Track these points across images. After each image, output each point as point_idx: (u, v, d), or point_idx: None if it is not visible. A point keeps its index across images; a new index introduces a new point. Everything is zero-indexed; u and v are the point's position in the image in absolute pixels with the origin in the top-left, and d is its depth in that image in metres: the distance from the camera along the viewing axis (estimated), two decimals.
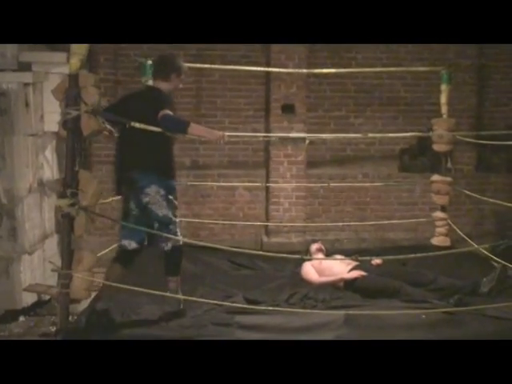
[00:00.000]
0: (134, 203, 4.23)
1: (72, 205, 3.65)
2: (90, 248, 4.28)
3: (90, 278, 3.81)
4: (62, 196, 3.70)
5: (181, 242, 4.28)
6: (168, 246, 4.22)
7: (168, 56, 4.54)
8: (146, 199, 4.13)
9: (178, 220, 4.28)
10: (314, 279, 5.15)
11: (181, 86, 4.45)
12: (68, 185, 3.67)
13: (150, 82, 5.70)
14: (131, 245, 4.28)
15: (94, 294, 4.43)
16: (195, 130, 4.08)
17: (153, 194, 4.13)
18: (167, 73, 4.27)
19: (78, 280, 3.75)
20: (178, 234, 4.28)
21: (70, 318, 4.11)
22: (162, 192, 4.16)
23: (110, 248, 4.88)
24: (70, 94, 3.63)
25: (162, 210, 4.16)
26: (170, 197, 4.21)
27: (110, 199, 5.44)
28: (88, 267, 3.80)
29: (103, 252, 4.56)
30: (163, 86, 4.27)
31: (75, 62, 3.62)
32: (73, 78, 3.65)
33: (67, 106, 3.63)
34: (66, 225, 3.75)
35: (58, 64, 5.35)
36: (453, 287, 4.71)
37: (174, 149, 4.40)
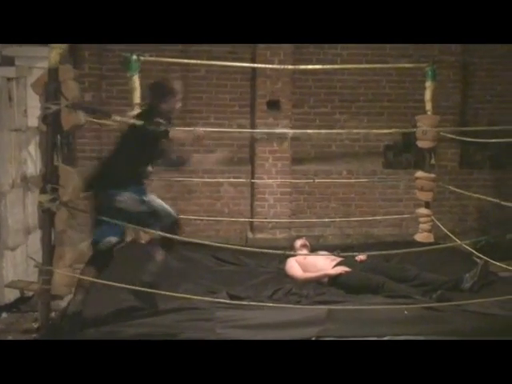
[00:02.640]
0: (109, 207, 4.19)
1: (52, 200, 3.62)
2: (72, 244, 4.24)
3: (72, 273, 3.79)
4: (42, 191, 3.67)
5: (176, 216, 4.33)
6: (166, 222, 4.23)
7: (161, 82, 4.61)
8: (120, 205, 4.14)
9: (160, 202, 4.28)
10: (298, 275, 5.16)
11: (179, 104, 4.51)
12: (48, 180, 3.65)
13: (136, 78, 5.73)
14: (112, 241, 4.25)
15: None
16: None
17: (127, 199, 4.14)
18: (164, 96, 4.35)
19: (58, 276, 3.73)
20: (171, 211, 4.30)
21: (53, 314, 4.09)
22: (136, 196, 4.18)
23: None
24: (50, 88, 3.60)
25: (139, 208, 4.16)
26: (144, 198, 4.22)
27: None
28: (69, 263, 3.79)
29: (84, 247, 4.51)
30: (162, 106, 4.35)
31: (54, 55, 3.59)
32: (52, 72, 3.61)
33: (47, 101, 3.60)
34: (46, 220, 3.73)
35: (42, 58, 5.25)
36: (435, 283, 4.73)
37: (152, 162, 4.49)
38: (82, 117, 3.76)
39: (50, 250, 3.78)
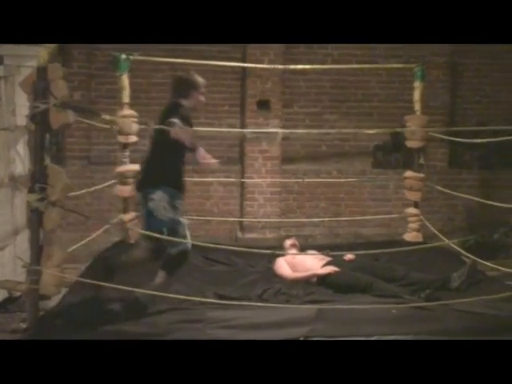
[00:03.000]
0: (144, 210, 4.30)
1: (41, 199, 3.61)
2: (62, 244, 4.23)
3: (60, 273, 3.77)
4: (30, 191, 3.65)
5: (189, 246, 4.28)
6: (174, 250, 4.22)
7: (184, 76, 4.60)
8: (152, 205, 4.19)
9: (186, 223, 4.30)
10: (287, 274, 5.16)
11: (203, 99, 4.50)
12: (36, 179, 3.63)
13: (125, 77, 5.71)
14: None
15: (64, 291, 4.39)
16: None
17: (157, 199, 4.19)
18: (186, 91, 4.37)
19: (47, 276, 3.71)
20: (188, 236, 4.29)
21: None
22: (166, 197, 4.21)
23: (81, 243, 4.83)
24: (38, 87, 3.58)
25: (167, 215, 4.20)
26: (176, 204, 4.28)
27: (84, 191, 5.40)
28: (58, 263, 3.76)
29: (73, 247, 4.50)
30: (184, 102, 4.38)
31: (43, 54, 3.57)
32: (41, 71, 3.60)
33: (35, 100, 3.58)
34: (34, 220, 3.71)
35: (31, 57, 5.25)
36: (424, 282, 4.74)
37: (182, 160, 4.45)
38: (70, 116, 3.74)
39: (38, 250, 3.76)
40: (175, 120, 4.12)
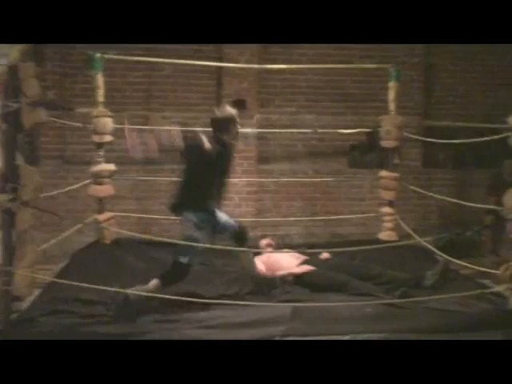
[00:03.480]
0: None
1: (12, 200, 3.57)
2: (35, 244, 4.18)
3: (33, 274, 3.73)
4: (2, 191, 3.61)
5: (188, 265, 4.41)
6: (183, 260, 4.37)
7: (220, 117, 4.69)
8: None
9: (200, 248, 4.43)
10: (263, 274, 5.17)
11: (239, 127, 4.71)
12: (8, 179, 3.59)
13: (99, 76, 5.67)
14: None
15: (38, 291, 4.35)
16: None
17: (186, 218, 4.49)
18: (226, 127, 4.59)
19: (19, 277, 3.67)
20: (193, 259, 4.43)
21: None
22: (194, 219, 4.44)
23: (51, 242, 4.78)
24: (10, 86, 3.54)
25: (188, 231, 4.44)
26: (201, 224, 4.46)
27: (58, 191, 5.36)
28: (30, 264, 3.73)
29: (44, 246, 4.45)
30: (226, 137, 4.61)
31: (15, 53, 3.53)
32: (12, 70, 3.56)
33: (7, 99, 3.54)
34: (6, 220, 3.66)
35: (2, 56, 5.20)
36: (398, 281, 4.79)
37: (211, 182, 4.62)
38: (43, 115, 3.71)
39: (10, 251, 3.72)
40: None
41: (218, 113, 4.72)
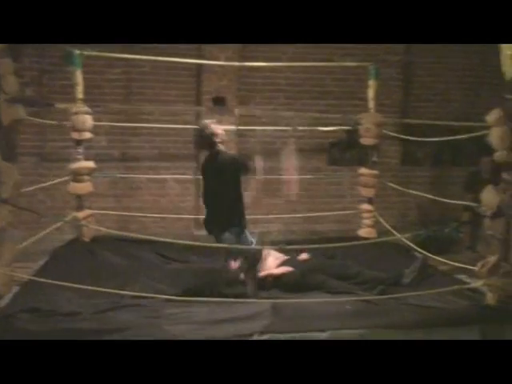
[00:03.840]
0: None
1: None
2: (14, 242, 4.14)
3: (11, 272, 3.69)
4: None
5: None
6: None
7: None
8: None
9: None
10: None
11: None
12: None
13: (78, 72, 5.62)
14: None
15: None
16: None
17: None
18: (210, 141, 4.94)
19: None
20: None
21: None
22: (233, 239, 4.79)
23: (30, 241, 4.74)
24: None
25: None
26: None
27: (35, 187, 5.32)
28: (8, 262, 3.69)
29: (23, 244, 4.41)
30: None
31: None
32: None
33: None
34: None
35: None
36: (377, 280, 4.82)
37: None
38: (21, 111, 3.67)
39: None
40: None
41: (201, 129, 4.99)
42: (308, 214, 7.34)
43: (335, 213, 7.21)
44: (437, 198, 5.24)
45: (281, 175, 6.23)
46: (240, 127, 7.15)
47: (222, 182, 4.86)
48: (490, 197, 3.96)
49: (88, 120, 5.64)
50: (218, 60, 6.97)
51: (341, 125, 7.09)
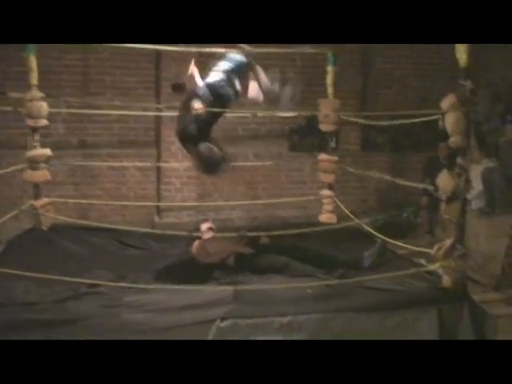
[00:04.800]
0: None
1: None
2: None
3: None
4: None
5: None
6: None
7: None
8: None
9: None
10: (204, 256, 5.15)
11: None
12: None
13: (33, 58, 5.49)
14: None
15: None
16: None
17: None
18: None
19: None
20: None
21: None
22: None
23: None
24: None
25: None
26: None
27: None
28: None
29: None
30: None
31: None
32: None
33: None
34: None
35: None
36: (336, 262, 4.86)
37: None
38: None
39: None
40: None
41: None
42: (269, 201, 7.37)
43: (296, 199, 7.24)
44: (395, 180, 5.30)
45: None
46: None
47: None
48: (445, 181, 4.04)
49: (43, 107, 5.52)
50: (177, 46, 6.89)
51: (300, 111, 7.10)
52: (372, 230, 5.44)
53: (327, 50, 6.29)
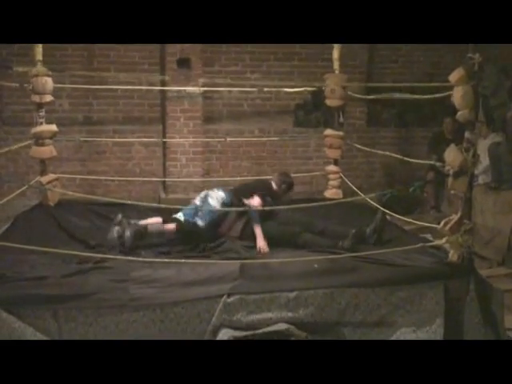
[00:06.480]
0: None
1: None
2: None
3: None
4: None
5: None
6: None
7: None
8: None
9: None
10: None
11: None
12: None
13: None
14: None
15: None
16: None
17: None
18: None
19: None
20: None
21: None
22: None
23: None
24: None
25: None
26: None
27: None
28: None
29: None
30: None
31: None
32: None
33: None
34: None
35: None
36: (342, 234, 4.85)
37: None
38: None
39: None
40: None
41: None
42: None
43: (302, 174, 7.22)
44: (401, 157, 5.28)
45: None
46: (205, 88, 7.08)
47: None
48: (453, 156, 4.01)
49: (49, 82, 5.49)
50: None
51: (306, 86, 7.06)
52: (378, 206, 5.42)
53: None
